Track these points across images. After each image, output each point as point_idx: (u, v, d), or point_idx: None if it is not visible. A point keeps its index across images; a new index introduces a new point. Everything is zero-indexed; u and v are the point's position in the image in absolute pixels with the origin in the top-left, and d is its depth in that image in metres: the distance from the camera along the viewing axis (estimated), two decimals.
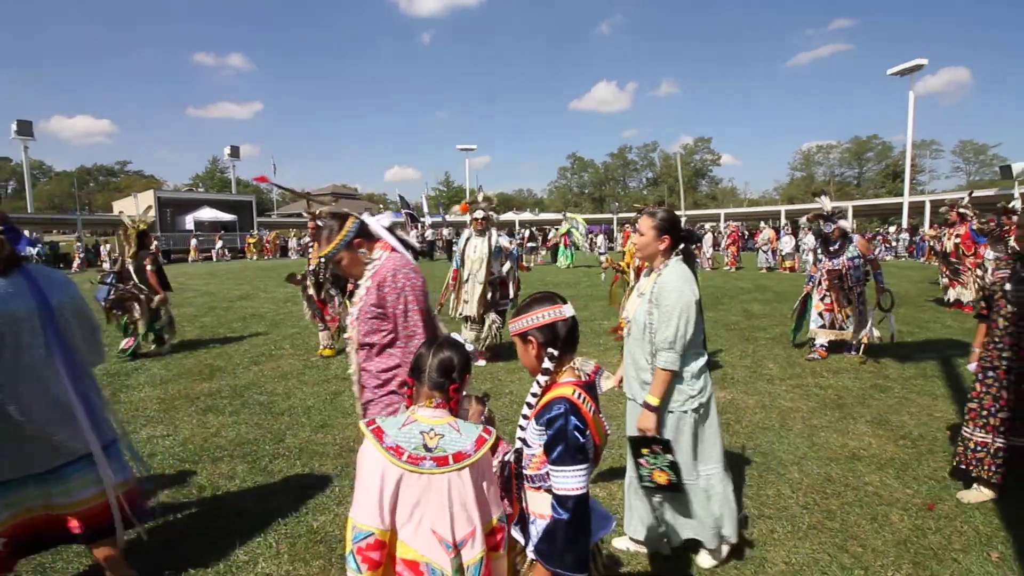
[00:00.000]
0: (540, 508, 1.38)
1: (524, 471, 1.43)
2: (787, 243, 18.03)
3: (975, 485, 2.95)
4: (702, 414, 2.31)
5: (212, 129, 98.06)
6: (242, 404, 4.62)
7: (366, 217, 2.25)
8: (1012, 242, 2.92)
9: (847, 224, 6.05)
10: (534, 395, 1.45)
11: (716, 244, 21.39)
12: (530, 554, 1.40)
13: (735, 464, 3.35)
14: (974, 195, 10.00)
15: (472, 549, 1.30)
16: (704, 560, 2.39)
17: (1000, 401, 2.88)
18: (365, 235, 2.21)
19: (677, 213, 2.56)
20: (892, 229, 27.25)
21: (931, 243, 9.21)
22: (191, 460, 3.53)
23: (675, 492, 2.22)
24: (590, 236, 23.26)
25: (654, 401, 2.21)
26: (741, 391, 4.82)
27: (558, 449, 1.33)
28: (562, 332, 1.45)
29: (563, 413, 1.35)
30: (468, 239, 5.91)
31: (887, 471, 3.25)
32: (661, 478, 2.17)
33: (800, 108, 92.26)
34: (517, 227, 30.95)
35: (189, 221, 30.80)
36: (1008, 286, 2.87)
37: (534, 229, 28.05)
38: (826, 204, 6.03)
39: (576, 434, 1.33)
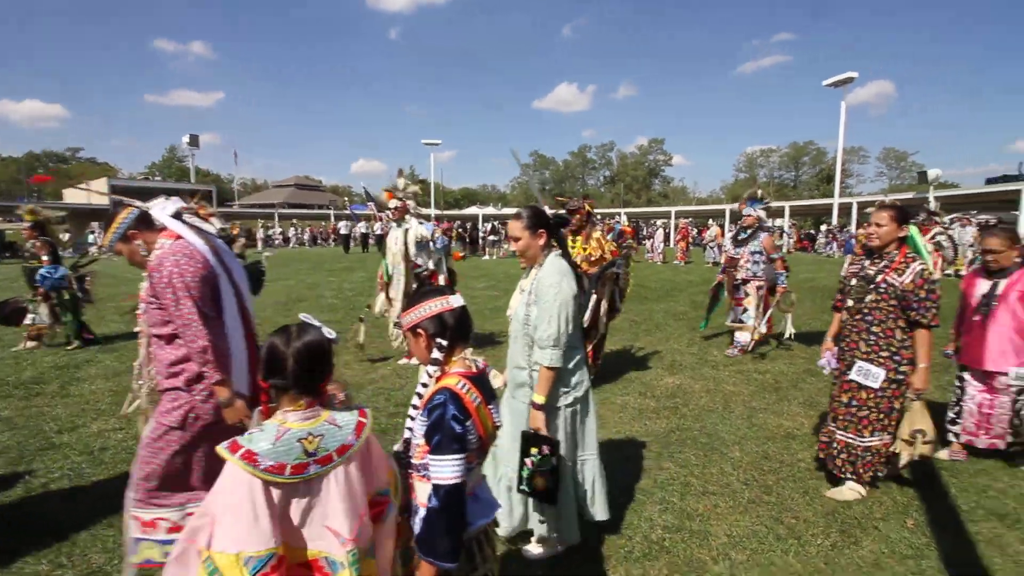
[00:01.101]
0: (423, 497, 1.39)
1: (412, 460, 1.44)
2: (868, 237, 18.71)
3: (848, 483, 2.94)
4: (580, 408, 2.32)
5: (172, 117, 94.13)
6: None
7: (152, 204, 2.18)
8: (865, 240, 2.93)
9: (764, 215, 5.88)
10: (424, 386, 1.46)
11: (667, 239, 22.19)
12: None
13: (685, 444, 3.56)
14: (893, 198, 10.75)
15: (364, 532, 1.28)
16: (535, 549, 2.39)
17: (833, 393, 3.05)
18: (145, 225, 2.16)
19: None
20: (823, 228, 29.07)
21: (861, 240, 9.81)
22: None
23: (549, 503, 2.16)
24: None
25: (540, 399, 2.16)
26: (688, 376, 5.07)
27: (436, 438, 1.34)
28: (450, 322, 1.47)
29: (442, 403, 1.36)
30: (390, 231, 5.55)
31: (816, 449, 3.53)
32: (540, 483, 2.10)
33: (745, 114, 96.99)
34: (481, 221, 30.87)
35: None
36: (853, 281, 2.93)
37: (497, 223, 28.09)
38: (759, 192, 5.96)
39: (453, 424, 1.34)
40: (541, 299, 2.19)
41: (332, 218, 38.93)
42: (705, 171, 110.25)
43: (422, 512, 1.38)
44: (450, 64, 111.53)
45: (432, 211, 35.38)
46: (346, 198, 50.09)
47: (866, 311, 2.83)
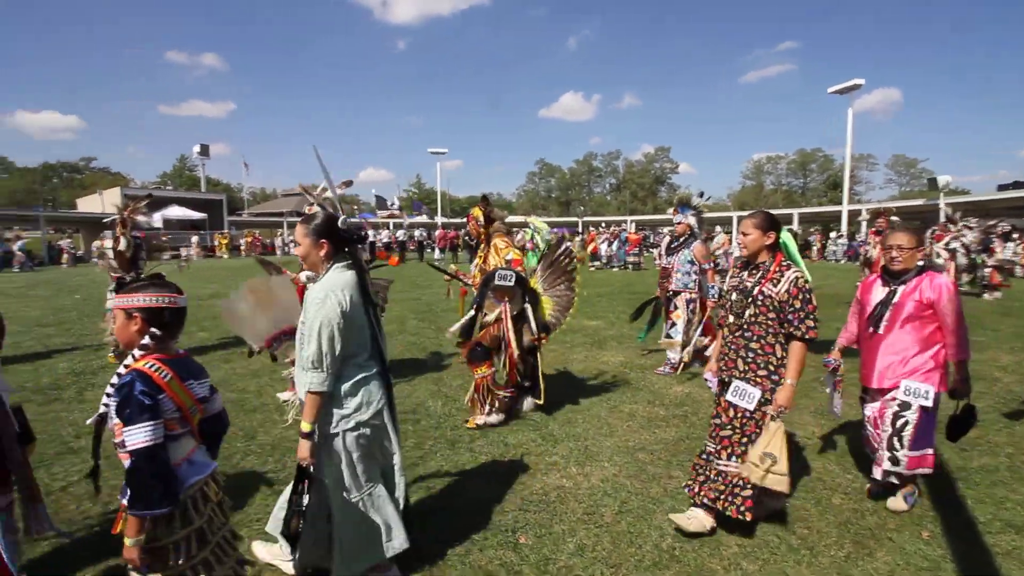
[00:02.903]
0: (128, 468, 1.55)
1: (114, 440, 1.58)
2: (737, 249, 18.80)
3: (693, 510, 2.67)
4: (365, 433, 2.12)
5: (184, 127, 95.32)
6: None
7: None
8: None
9: (694, 221, 5.46)
10: (126, 366, 1.59)
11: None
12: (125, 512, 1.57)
13: (694, 453, 3.53)
14: (904, 205, 10.62)
15: None
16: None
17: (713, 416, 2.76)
18: None
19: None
20: (832, 235, 28.92)
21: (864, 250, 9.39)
22: None
23: (291, 543, 2.07)
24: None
25: (306, 427, 2.00)
26: (697, 385, 5.05)
27: (126, 412, 1.51)
28: (168, 318, 1.65)
29: (129, 381, 1.54)
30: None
31: (829, 458, 3.51)
32: (295, 523, 2.02)
33: (751, 121, 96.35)
34: None
35: (157, 219, 29.44)
36: (734, 295, 2.70)
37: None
38: (695, 199, 5.54)
39: (141, 397, 1.52)
40: (307, 316, 2.04)
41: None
42: (711, 179, 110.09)
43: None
44: (456, 74, 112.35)
45: (439, 219, 35.52)
46: (355, 206, 50.42)
47: (745, 326, 2.62)
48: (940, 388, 2.80)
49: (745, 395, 2.58)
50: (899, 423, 2.80)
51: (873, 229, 8.74)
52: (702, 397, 4.71)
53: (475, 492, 3.05)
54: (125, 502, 1.55)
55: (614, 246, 20.91)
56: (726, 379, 2.68)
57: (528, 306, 3.98)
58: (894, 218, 8.92)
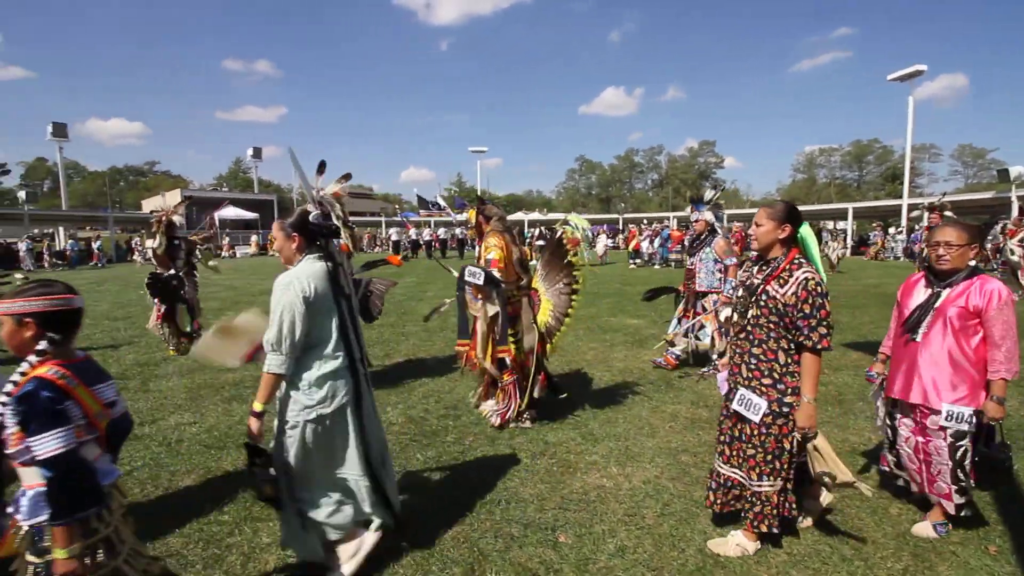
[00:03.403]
0: (28, 480, 1.48)
1: (7, 451, 1.49)
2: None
3: (733, 534, 2.54)
4: (330, 425, 2.17)
5: (238, 131, 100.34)
6: None
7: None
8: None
9: (711, 217, 5.28)
10: (22, 373, 1.50)
11: None
12: (24, 525, 1.50)
13: None
14: (971, 198, 9.92)
15: None
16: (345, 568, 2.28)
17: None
18: None
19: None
20: (892, 231, 27.40)
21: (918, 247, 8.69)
22: (217, 446, 3.65)
23: (276, 508, 2.14)
24: (594, 235, 23.43)
25: (257, 407, 2.07)
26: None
27: (34, 421, 1.43)
28: (63, 320, 1.56)
29: (31, 390, 1.45)
30: None
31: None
32: (268, 491, 2.09)
33: (803, 112, 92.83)
34: (526, 226, 31.03)
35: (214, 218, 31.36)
36: (740, 292, 2.52)
37: (543, 228, 28.25)
38: (708, 193, 5.43)
39: (49, 404, 1.44)
40: (271, 301, 2.09)
41: (383, 225, 40.19)
42: (760, 173, 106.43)
43: (32, 493, 1.48)
44: (497, 73, 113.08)
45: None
46: (396, 206, 51.52)
47: (748, 328, 2.40)
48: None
49: (751, 406, 2.36)
50: (959, 454, 2.51)
51: (927, 224, 8.31)
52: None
53: (515, 489, 3.07)
54: (20, 518, 1.50)
55: (655, 243, 20.50)
56: (732, 385, 2.49)
57: (524, 310, 3.90)
58: (948, 213, 8.27)
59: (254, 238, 30.81)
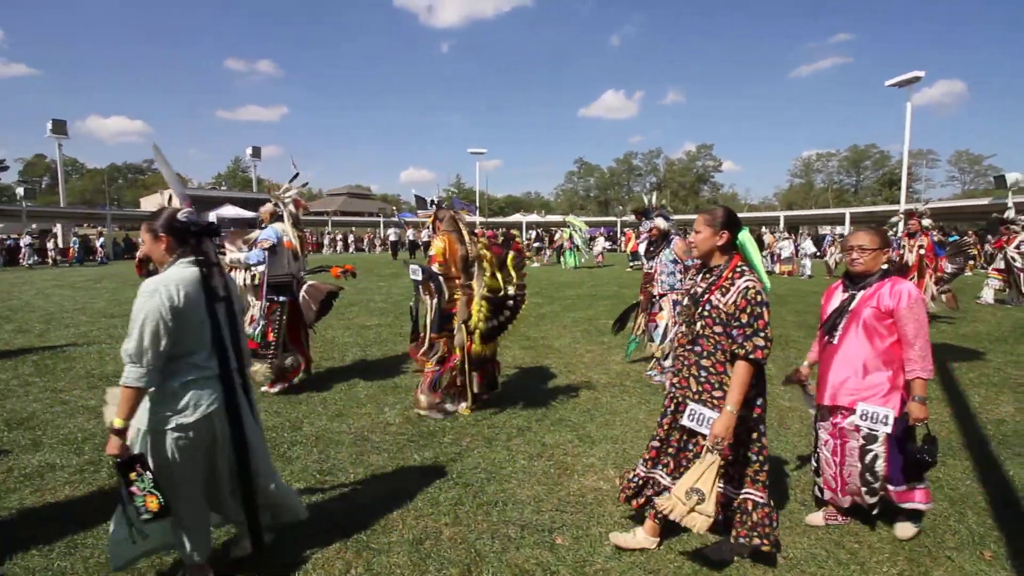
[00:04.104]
0: None
1: None
2: (786, 248, 18.19)
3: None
4: (191, 435, 2.04)
5: (240, 131, 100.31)
6: (261, 393, 4.72)
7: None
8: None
9: (663, 223, 5.36)
10: None
11: None
12: None
13: None
14: (967, 204, 9.95)
15: None
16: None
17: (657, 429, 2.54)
18: None
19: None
20: (889, 235, 27.58)
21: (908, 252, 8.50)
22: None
23: (166, 517, 2.02)
24: (591, 238, 23.50)
25: (117, 423, 1.92)
26: None
27: None
28: None
29: None
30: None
31: None
32: (152, 503, 1.97)
33: (800, 117, 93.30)
34: (524, 228, 31.06)
35: (211, 217, 31.33)
36: (685, 301, 2.49)
37: (540, 230, 28.29)
38: (653, 199, 5.56)
39: None
40: (133, 307, 1.96)
41: (381, 225, 40.20)
42: (758, 177, 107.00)
43: None
44: (497, 75, 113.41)
45: (477, 219, 35.82)
46: (394, 207, 51.57)
47: (695, 339, 2.37)
48: (901, 411, 2.48)
49: (703, 420, 2.30)
50: (868, 458, 2.48)
51: (906, 231, 8.20)
52: None
53: (511, 490, 3.07)
54: None
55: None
56: (679, 399, 2.42)
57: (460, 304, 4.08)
58: (926, 221, 8.18)
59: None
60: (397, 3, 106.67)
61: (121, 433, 1.93)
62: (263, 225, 4.88)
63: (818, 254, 18.53)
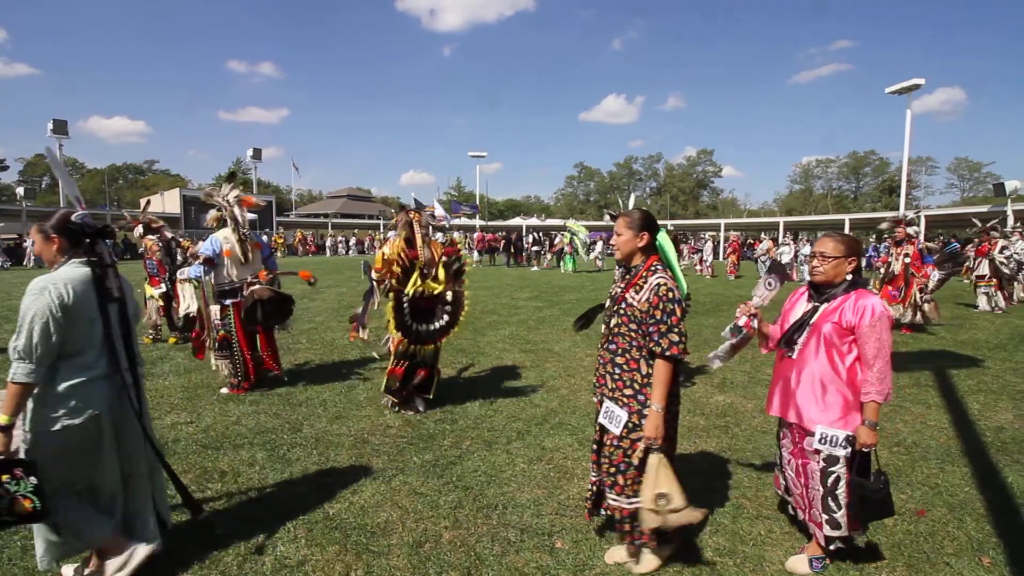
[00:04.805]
0: None
1: None
2: (786, 253, 18.23)
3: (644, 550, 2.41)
4: (72, 437, 2.03)
5: (241, 132, 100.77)
6: (261, 395, 4.74)
7: None
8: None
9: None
10: None
11: (716, 253, 21.69)
12: None
13: (737, 465, 3.46)
14: (966, 211, 9.97)
15: None
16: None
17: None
18: None
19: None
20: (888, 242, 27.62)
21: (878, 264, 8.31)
22: (213, 446, 3.64)
23: (40, 521, 2.00)
24: (591, 242, 23.55)
25: (3, 419, 1.92)
26: (740, 395, 4.92)
27: None
28: None
29: None
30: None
31: None
32: (23, 506, 1.93)
33: (801, 123, 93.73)
34: (524, 232, 31.12)
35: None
36: (607, 301, 2.50)
37: (539, 234, 28.29)
38: (631, 202, 5.34)
39: None
40: (22, 304, 1.98)
41: (381, 227, 40.28)
42: (757, 183, 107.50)
43: None
44: (499, 79, 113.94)
45: (478, 222, 35.89)
46: (393, 209, 51.61)
47: (611, 337, 2.37)
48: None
49: (613, 418, 2.30)
50: (830, 480, 2.33)
51: (893, 238, 8.09)
52: (744, 408, 4.59)
53: (511, 494, 3.08)
54: None
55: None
56: (600, 397, 2.43)
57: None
58: (911, 229, 8.06)
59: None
60: (399, 7, 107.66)
61: (6, 430, 1.93)
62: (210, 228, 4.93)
63: None
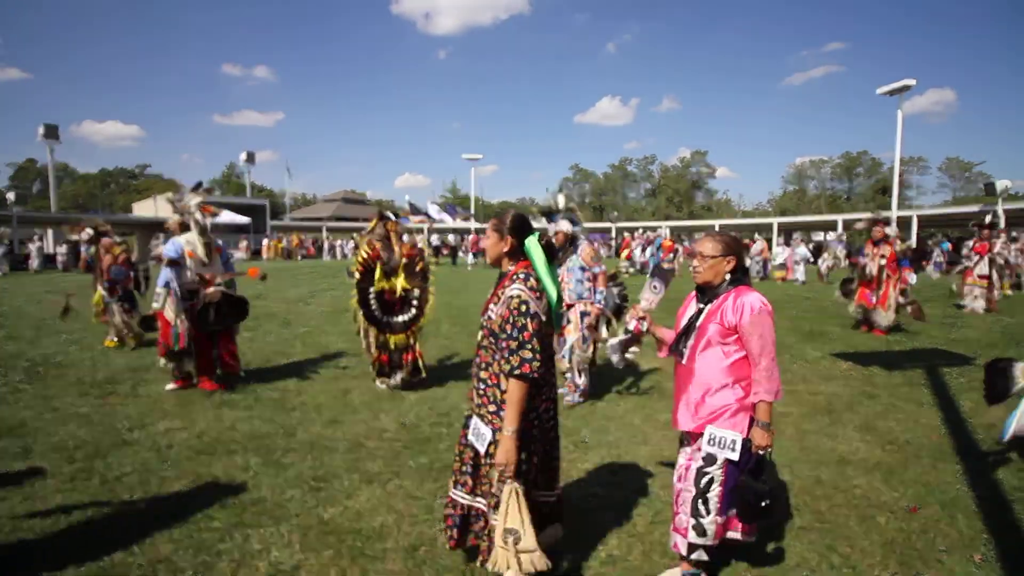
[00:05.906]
0: None
1: None
2: (780, 254, 18.32)
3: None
4: None
5: (236, 136, 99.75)
6: (255, 400, 4.73)
7: None
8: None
9: (568, 226, 4.81)
10: None
11: None
12: None
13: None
14: (958, 211, 10.03)
15: None
16: None
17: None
18: None
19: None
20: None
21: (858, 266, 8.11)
22: (207, 452, 3.62)
23: None
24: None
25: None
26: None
27: None
28: None
29: None
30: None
31: (874, 475, 3.38)
32: None
33: (794, 124, 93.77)
34: None
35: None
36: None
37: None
38: (559, 200, 4.97)
39: None
40: None
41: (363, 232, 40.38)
42: (750, 184, 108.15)
43: None
44: (494, 81, 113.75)
45: (472, 224, 35.87)
46: (389, 212, 51.55)
47: (477, 350, 2.24)
48: (747, 435, 2.20)
49: (479, 435, 2.14)
50: (703, 481, 2.20)
51: (871, 239, 7.96)
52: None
53: None
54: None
55: (647, 252, 20.64)
56: (468, 412, 2.30)
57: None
58: (888, 229, 8.00)
59: (244, 243, 31.23)
60: (395, 10, 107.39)
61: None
62: (169, 233, 5.16)
63: (811, 261, 18.66)
